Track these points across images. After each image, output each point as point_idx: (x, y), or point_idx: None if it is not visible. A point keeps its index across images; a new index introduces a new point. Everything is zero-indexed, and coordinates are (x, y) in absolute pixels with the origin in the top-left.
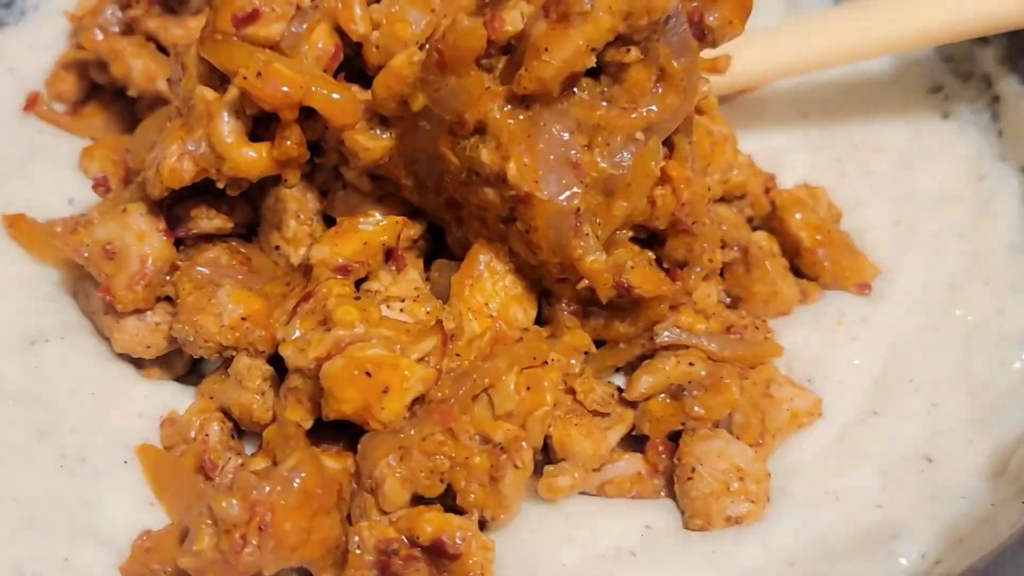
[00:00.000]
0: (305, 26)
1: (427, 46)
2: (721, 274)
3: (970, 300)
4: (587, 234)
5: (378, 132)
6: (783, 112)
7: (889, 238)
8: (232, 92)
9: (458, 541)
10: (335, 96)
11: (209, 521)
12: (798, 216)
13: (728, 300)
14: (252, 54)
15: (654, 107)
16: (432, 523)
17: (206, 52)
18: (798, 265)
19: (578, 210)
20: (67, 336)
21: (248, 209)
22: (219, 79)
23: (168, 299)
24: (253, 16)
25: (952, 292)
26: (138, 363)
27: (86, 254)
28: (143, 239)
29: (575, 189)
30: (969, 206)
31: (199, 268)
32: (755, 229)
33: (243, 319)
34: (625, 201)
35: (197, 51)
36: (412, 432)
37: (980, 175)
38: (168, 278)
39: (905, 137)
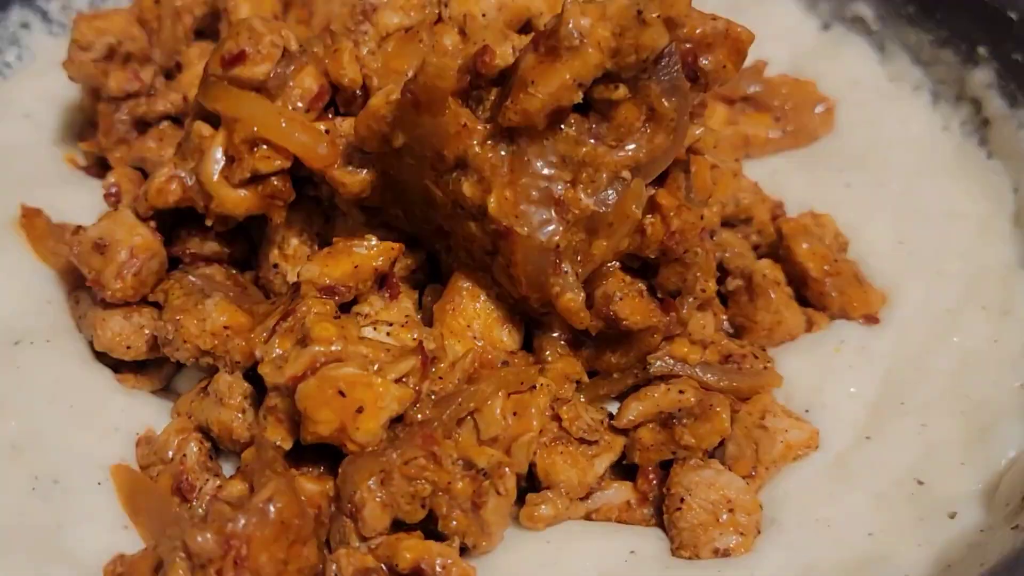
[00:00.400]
0: (292, 68)
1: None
2: (725, 303)
3: (967, 323)
4: (566, 272)
5: (355, 168)
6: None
7: (892, 261)
8: (222, 133)
9: (438, 569)
10: (307, 140)
11: (183, 555)
12: (805, 245)
13: (732, 330)
14: (239, 101)
15: (642, 146)
16: (411, 550)
17: (201, 96)
18: (805, 295)
19: (558, 247)
20: (52, 339)
21: (244, 243)
22: (215, 122)
23: (156, 305)
24: (240, 57)
25: (950, 316)
26: (116, 370)
27: (75, 250)
28: (133, 231)
29: (556, 226)
30: (967, 226)
31: (191, 278)
32: (761, 257)
33: (225, 328)
34: (605, 240)
35: (196, 97)
36: (394, 455)
37: (977, 195)
38: (160, 285)
39: (905, 155)
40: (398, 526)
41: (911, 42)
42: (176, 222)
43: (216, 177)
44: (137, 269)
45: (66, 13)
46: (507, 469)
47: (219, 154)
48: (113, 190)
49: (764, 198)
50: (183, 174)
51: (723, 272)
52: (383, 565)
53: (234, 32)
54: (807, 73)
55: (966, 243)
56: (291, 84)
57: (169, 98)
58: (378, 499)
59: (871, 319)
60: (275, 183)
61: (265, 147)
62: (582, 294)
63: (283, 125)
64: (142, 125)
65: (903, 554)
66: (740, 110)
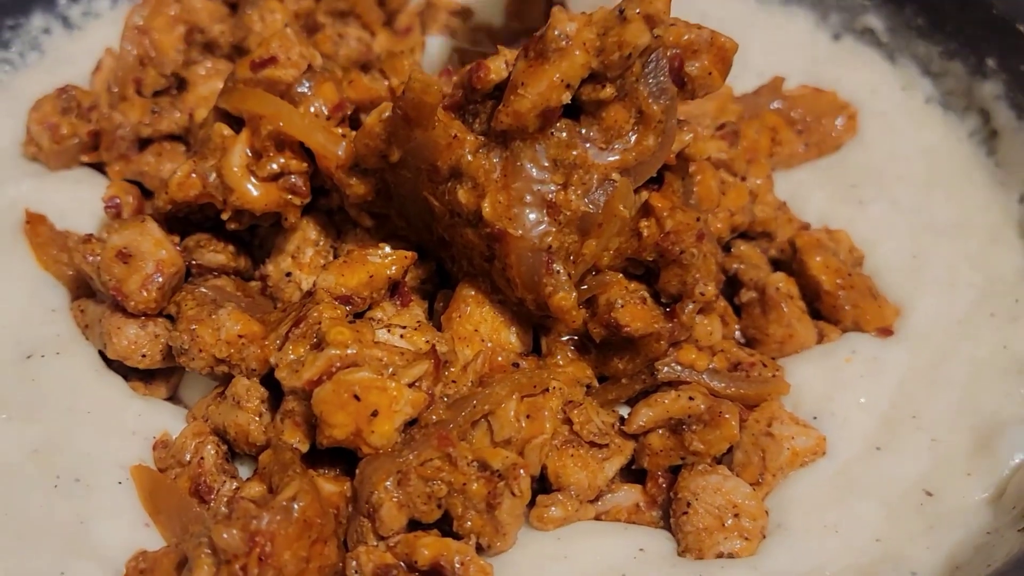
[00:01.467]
0: (314, 82)
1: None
2: (739, 315)
3: (976, 332)
4: (558, 272)
5: (361, 172)
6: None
7: (905, 275)
8: (245, 132)
9: (457, 566)
10: (326, 140)
11: (208, 551)
12: (818, 259)
13: (744, 340)
14: (264, 100)
15: (631, 148)
16: (430, 547)
17: (223, 102)
18: (818, 308)
19: (550, 247)
20: (63, 351)
21: (247, 257)
22: (235, 126)
23: (169, 317)
24: (271, 60)
25: (960, 326)
26: (125, 379)
27: (90, 258)
28: (159, 245)
29: (548, 227)
30: (977, 237)
31: (202, 289)
32: (777, 270)
33: (240, 336)
34: (595, 240)
35: (216, 104)
36: (411, 456)
37: (987, 204)
38: (172, 298)
39: (917, 167)
40: (414, 526)
41: (920, 54)
42: (184, 234)
43: (238, 171)
44: (162, 284)
45: (87, 18)
46: (522, 471)
47: (242, 150)
48: (115, 202)
49: (791, 218)
50: (204, 171)
51: (738, 284)
52: (402, 562)
53: (267, 41)
54: (819, 85)
55: (976, 254)
56: (312, 94)
57: (173, 117)
58: (395, 499)
59: (885, 332)
60: (295, 180)
61: (289, 151)
62: (574, 293)
63: (305, 123)
64: (143, 142)
65: (911, 557)
66: None
